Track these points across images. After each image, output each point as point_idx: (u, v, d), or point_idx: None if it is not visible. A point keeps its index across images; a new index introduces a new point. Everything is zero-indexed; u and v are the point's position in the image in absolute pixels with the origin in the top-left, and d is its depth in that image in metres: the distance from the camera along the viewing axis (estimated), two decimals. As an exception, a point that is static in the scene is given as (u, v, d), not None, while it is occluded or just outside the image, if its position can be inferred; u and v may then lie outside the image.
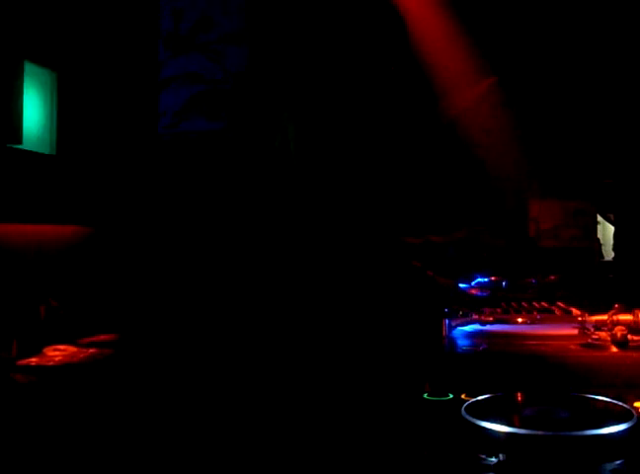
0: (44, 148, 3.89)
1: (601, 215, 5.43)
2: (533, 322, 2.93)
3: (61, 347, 2.70)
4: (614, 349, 2.35)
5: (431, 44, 4.88)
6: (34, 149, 3.73)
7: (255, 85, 4.62)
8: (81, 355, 2.59)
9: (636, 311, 2.52)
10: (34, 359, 2.52)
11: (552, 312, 3.12)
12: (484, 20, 4.83)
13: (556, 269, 4.45)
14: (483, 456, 1.54)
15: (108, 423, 1.89)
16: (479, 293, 3.96)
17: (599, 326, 2.56)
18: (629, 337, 2.38)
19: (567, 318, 2.93)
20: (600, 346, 2.39)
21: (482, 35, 4.85)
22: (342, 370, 2.32)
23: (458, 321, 2.86)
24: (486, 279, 4.18)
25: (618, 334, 2.38)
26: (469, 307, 3.12)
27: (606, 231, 5.59)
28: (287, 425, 1.85)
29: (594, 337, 2.47)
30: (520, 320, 2.97)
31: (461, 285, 4.05)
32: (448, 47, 4.88)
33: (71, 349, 2.69)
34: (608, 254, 5.48)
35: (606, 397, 1.83)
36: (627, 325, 2.46)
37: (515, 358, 2.26)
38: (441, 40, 4.87)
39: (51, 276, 3.43)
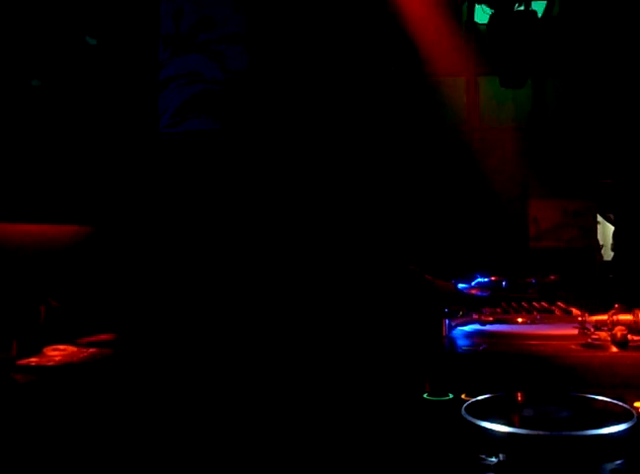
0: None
1: (602, 215, 5.43)
2: (533, 322, 2.92)
3: (61, 347, 2.70)
4: (614, 349, 2.35)
5: (431, 46, 4.89)
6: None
7: (255, 85, 4.62)
8: (81, 355, 2.59)
9: (636, 311, 2.51)
10: (34, 359, 2.52)
11: (552, 312, 3.12)
12: (485, 21, 4.83)
13: (556, 269, 4.45)
14: (483, 456, 1.54)
15: (108, 423, 1.89)
16: (479, 293, 3.96)
17: (599, 326, 2.55)
18: (629, 337, 2.38)
19: (567, 318, 2.92)
20: (600, 346, 2.39)
21: (482, 35, 4.85)
22: (342, 370, 2.32)
23: (458, 321, 2.86)
24: (486, 279, 4.17)
25: (618, 334, 2.38)
26: (469, 307, 3.12)
27: (606, 231, 5.58)
28: (287, 424, 1.85)
29: (594, 337, 2.47)
30: (520, 320, 2.96)
31: (461, 286, 4.05)
32: (448, 47, 4.89)
33: (71, 349, 2.69)
34: (608, 254, 5.48)
35: (606, 397, 1.83)
36: (627, 325, 2.45)
37: (515, 358, 2.26)
38: (441, 41, 4.87)
39: (51, 276, 3.42)
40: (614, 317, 2.52)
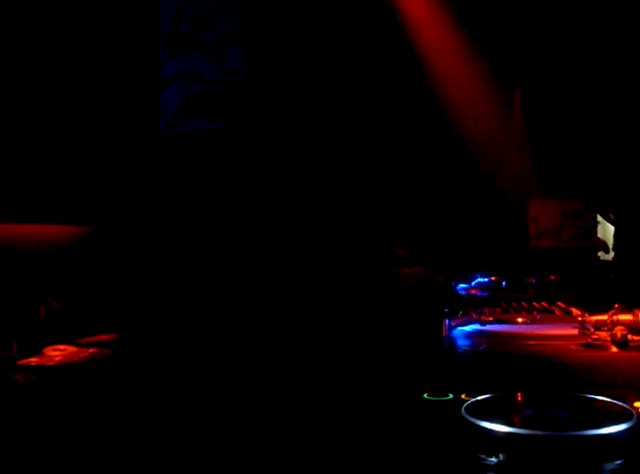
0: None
1: (601, 215, 5.43)
2: (533, 322, 2.92)
3: (61, 347, 2.70)
4: (614, 349, 2.35)
5: (432, 46, 4.88)
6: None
7: (255, 85, 4.62)
8: (81, 355, 2.59)
9: (636, 311, 2.51)
10: (34, 359, 2.52)
11: (552, 312, 3.12)
12: (486, 23, 4.84)
13: (556, 269, 4.45)
14: (483, 456, 1.54)
15: (108, 423, 1.89)
16: (479, 293, 3.96)
17: (599, 326, 2.55)
18: (629, 337, 2.38)
19: (567, 318, 2.93)
20: (600, 346, 2.39)
21: (484, 36, 4.86)
22: (341, 370, 2.32)
23: (458, 321, 2.86)
24: (486, 279, 4.18)
25: (618, 334, 2.38)
26: (469, 307, 3.12)
27: (606, 231, 5.58)
28: (287, 425, 1.85)
29: (594, 337, 2.47)
30: (520, 320, 2.97)
31: (461, 285, 4.06)
32: (451, 49, 4.89)
33: (71, 349, 2.69)
34: (608, 254, 5.48)
35: (606, 397, 1.83)
36: (627, 325, 2.45)
37: (515, 358, 2.26)
38: (444, 42, 4.87)
39: (51, 276, 3.43)
40: (614, 317, 2.52)
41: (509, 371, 2.15)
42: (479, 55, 4.93)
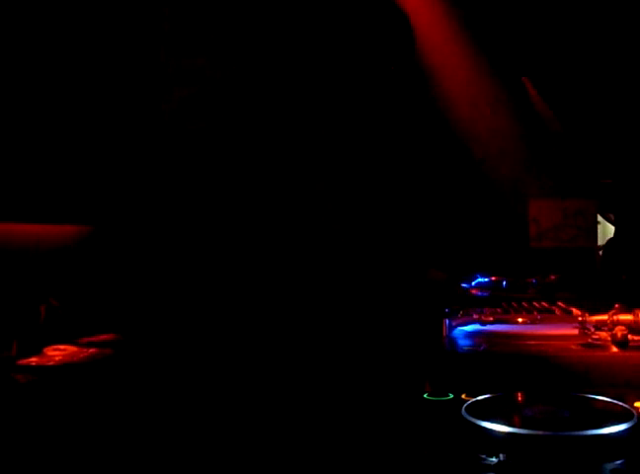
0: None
1: (602, 215, 5.43)
2: (533, 322, 2.92)
3: (61, 347, 2.70)
4: (614, 349, 2.35)
5: (432, 44, 4.89)
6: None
7: (255, 85, 4.62)
8: (81, 355, 2.59)
9: (636, 311, 2.51)
10: (34, 359, 2.52)
11: (552, 312, 3.12)
12: (485, 17, 4.84)
13: (556, 269, 4.45)
14: (483, 456, 1.54)
15: (108, 423, 1.89)
16: (479, 293, 3.96)
17: (599, 326, 2.56)
18: (629, 337, 2.38)
19: (567, 318, 2.93)
20: (600, 346, 2.39)
21: (483, 32, 4.86)
22: (342, 370, 2.33)
23: (458, 321, 2.86)
24: (486, 279, 4.18)
25: (618, 334, 2.38)
26: (469, 307, 3.12)
27: (606, 231, 5.58)
28: (287, 424, 1.85)
29: (594, 337, 2.47)
30: (520, 320, 2.97)
31: (461, 285, 4.06)
32: (452, 49, 4.89)
33: (71, 349, 2.69)
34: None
35: (606, 397, 1.83)
36: (627, 325, 2.45)
37: (515, 358, 2.26)
38: (442, 39, 4.87)
39: (51, 276, 3.42)
40: (615, 317, 2.52)
41: (509, 371, 2.15)
42: (481, 53, 4.94)
